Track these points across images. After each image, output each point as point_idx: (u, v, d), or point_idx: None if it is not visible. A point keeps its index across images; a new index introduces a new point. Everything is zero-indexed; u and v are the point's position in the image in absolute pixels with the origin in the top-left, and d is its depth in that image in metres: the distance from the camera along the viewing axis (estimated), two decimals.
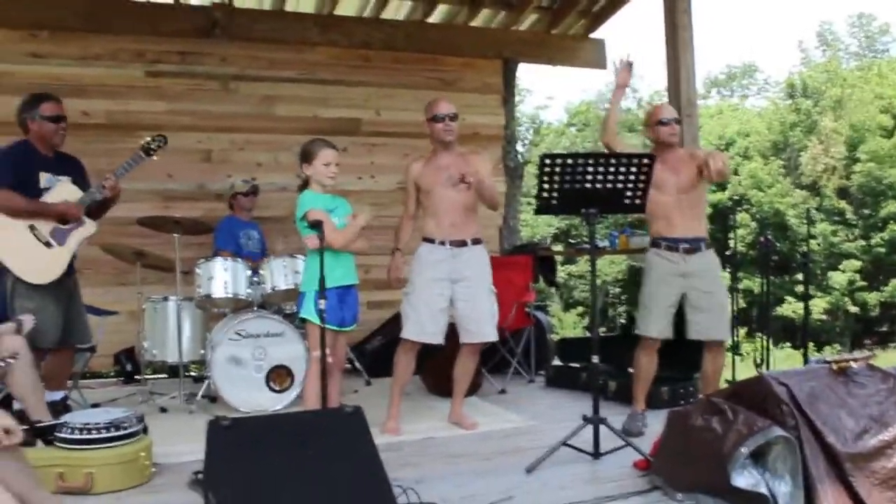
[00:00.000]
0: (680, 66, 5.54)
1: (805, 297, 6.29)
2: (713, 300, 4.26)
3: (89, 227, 4.32)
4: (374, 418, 3.48)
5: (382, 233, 4.84)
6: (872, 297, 21.45)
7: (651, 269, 4.36)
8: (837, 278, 21.23)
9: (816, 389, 2.95)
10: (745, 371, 5.61)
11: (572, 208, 3.84)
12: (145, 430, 3.57)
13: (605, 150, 4.34)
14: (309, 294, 3.88)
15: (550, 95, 48.01)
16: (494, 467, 3.67)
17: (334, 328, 3.87)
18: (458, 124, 4.42)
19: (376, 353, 6.24)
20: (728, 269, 6.42)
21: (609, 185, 3.72)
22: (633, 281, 19.52)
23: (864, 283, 21.50)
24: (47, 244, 4.17)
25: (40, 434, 3.41)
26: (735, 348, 5.81)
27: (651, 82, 35.35)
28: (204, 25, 6.53)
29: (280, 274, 5.05)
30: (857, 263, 21.48)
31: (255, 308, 5.16)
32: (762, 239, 7.00)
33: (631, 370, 4.57)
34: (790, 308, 19.07)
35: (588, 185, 3.69)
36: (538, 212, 3.90)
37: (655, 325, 4.28)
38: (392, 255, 4.53)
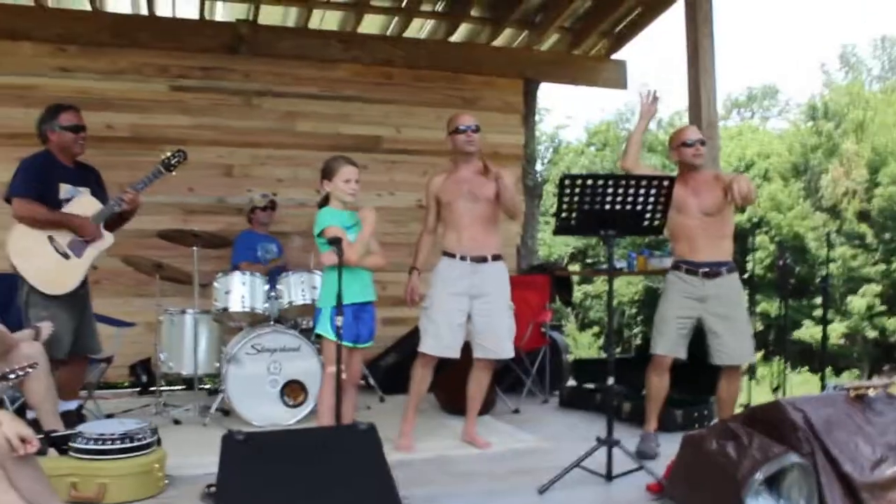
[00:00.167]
0: (701, 88, 5.50)
1: (823, 322, 6.23)
2: (731, 325, 4.22)
3: (107, 239, 4.35)
4: (387, 435, 3.48)
5: (399, 249, 4.87)
6: (892, 323, 21.13)
7: (669, 289, 4.36)
8: (856, 303, 20.96)
9: (833, 416, 2.92)
10: (762, 395, 5.56)
11: (591, 230, 3.81)
12: (159, 442, 3.59)
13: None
14: (325, 310, 3.88)
15: (570, 115, 47.86)
16: (507, 487, 3.65)
17: (349, 345, 3.86)
18: (480, 137, 4.42)
19: (390, 369, 6.24)
20: (746, 292, 6.38)
21: (628, 207, 3.69)
22: (649, 302, 19.44)
23: (883, 308, 21.20)
24: (65, 255, 4.21)
25: (55, 443, 3.44)
26: (751, 372, 5.76)
27: (671, 103, 35.23)
28: (229, 42, 6.64)
29: (297, 289, 5.10)
30: (877, 288, 21.20)
31: (272, 322, 5.18)
32: (780, 262, 6.95)
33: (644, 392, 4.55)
34: (808, 332, 18.88)
35: (607, 207, 3.66)
36: (557, 232, 3.87)
37: (664, 343, 4.27)
38: (409, 273, 4.52)
